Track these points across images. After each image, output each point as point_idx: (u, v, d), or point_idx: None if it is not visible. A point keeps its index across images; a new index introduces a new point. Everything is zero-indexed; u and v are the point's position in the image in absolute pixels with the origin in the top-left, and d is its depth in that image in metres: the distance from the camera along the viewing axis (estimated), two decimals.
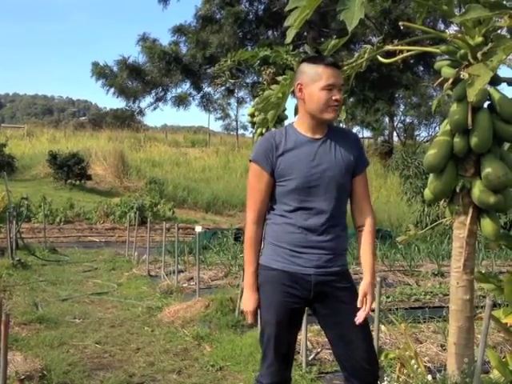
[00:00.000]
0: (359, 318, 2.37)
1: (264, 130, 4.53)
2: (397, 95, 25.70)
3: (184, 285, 7.08)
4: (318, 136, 2.45)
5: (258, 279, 2.46)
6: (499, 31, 3.00)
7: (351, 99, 19.15)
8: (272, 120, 3.48)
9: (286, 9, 2.67)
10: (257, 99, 4.92)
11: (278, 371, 2.46)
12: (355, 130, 42.36)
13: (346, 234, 2.54)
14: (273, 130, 2.65)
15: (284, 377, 2.50)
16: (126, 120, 22.03)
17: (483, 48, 2.89)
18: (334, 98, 2.37)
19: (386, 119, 37.94)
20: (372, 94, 17.09)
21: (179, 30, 16.35)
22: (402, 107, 37.63)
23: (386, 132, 38.99)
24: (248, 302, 2.47)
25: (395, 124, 38.62)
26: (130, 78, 17.10)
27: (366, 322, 2.47)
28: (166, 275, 7.54)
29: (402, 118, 39.50)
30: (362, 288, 2.41)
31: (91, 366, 4.25)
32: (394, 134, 38.84)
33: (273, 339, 2.43)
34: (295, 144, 2.43)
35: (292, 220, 2.41)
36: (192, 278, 7.19)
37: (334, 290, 2.44)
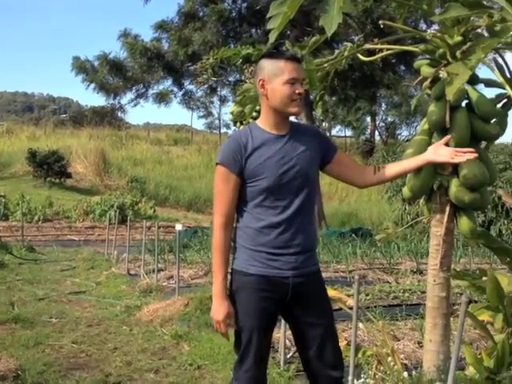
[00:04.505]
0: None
1: None
2: (378, 94, 25.84)
3: (164, 283, 7.03)
4: (283, 132, 2.44)
5: (229, 285, 2.40)
6: (478, 30, 3.02)
7: (333, 98, 19.22)
8: (249, 114, 3.47)
9: (268, 15, 2.66)
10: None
11: (256, 375, 2.43)
12: (337, 128, 42.62)
13: (315, 230, 2.55)
14: (236, 130, 2.63)
15: (261, 380, 2.48)
16: (106, 116, 21.81)
17: (462, 47, 2.91)
18: (297, 91, 2.36)
19: (368, 118, 38.21)
20: (353, 93, 17.14)
21: (161, 27, 16.22)
22: (383, 106, 37.93)
23: (368, 131, 39.26)
24: (218, 311, 2.36)
25: (377, 123, 38.90)
26: (111, 74, 16.94)
27: (335, 325, 2.51)
28: (146, 274, 7.48)
29: (384, 117, 39.80)
30: (432, 155, 2.51)
31: (67, 366, 4.20)
32: (376, 132, 39.12)
33: (252, 345, 2.38)
34: (262, 142, 2.39)
35: (266, 221, 2.37)
36: (172, 277, 7.14)
37: (310, 290, 2.44)
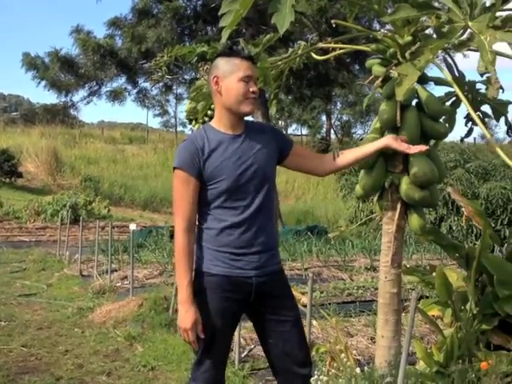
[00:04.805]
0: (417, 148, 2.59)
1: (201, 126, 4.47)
2: (333, 93, 26.12)
3: (118, 284, 6.91)
4: (238, 132, 2.43)
5: (194, 288, 2.34)
6: (429, 30, 3.08)
7: (289, 97, 19.32)
8: (202, 111, 3.44)
9: (220, 13, 2.64)
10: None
11: (214, 376, 2.42)
12: (293, 127, 42.91)
13: (276, 228, 2.55)
14: (191, 134, 2.60)
15: (219, 381, 2.46)
16: (58, 114, 21.33)
17: (412, 47, 2.95)
18: (251, 89, 2.36)
19: (324, 117, 38.62)
20: (309, 92, 17.25)
21: (114, 24, 15.94)
22: (338, 105, 38.40)
23: (324, 129, 39.69)
24: (185, 319, 2.29)
25: (332, 122, 39.35)
26: (63, 71, 16.54)
27: (301, 322, 2.51)
28: (99, 275, 7.34)
29: (339, 115, 40.31)
30: (390, 140, 2.64)
31: (16, 370, 4.08)
32: (332, 131, 39.58)
33: (212, 345, 2.36)
34: (218, 143, 2.38)
35: (227, 222, 2.36)
36: (126, 277, 7.03)
37: (274, 288, 2.44)
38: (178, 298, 2.34)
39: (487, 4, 2.41)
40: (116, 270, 7.52)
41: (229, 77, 2.37)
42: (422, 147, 2.63)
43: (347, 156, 2.59)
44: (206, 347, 2.36)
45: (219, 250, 2.36)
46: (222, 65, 2.40)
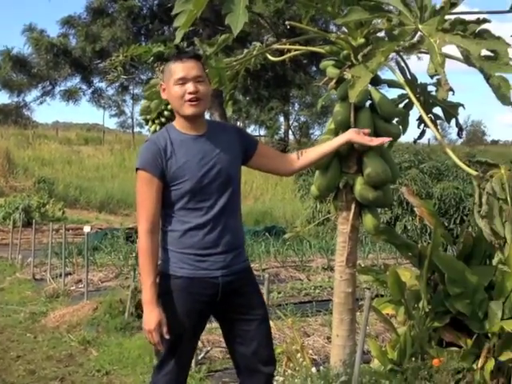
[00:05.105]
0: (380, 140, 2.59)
1: (158, 128, 4.42)
2: (291, 94, 26.30)
3: (72, 288, 6.78)
4: (200, 133, 2.40)
5: (157, 290, 2.31)
6: (382, 33, 3.13)
7: (247, 98, 19.35)
8: (155, 109, 3.41)
9: (173, 13, 2.62)
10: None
11: (176, 379, 2.39)
12: (251, 128, 42.98)
13: (242, 227, 2.53)
14: (154, 134, 2.56)
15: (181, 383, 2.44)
16: (10, 114, 20.77)
17: (365, 49, 2.99)
18: (188, 91, 2.32)
19: (282, 118, 38.81)
20: (266, 93, 17.34)
21: (68, 22, 15.66)
22: (296, 106, 38.65)
23: (282, 130, 39.88)
24: (149, 320, 2.26)
25: (290, 122, 39.58)
26: (15, 70, 16.13)
27: (269, 320, 2.51)
28: (53, 278, 7.17)
29: (297, 116, 40.57)
30: (352, 134, 2.61)
31: None
32: (290, 132, 39.81)
33: (176, 348, 2.33)
34: (181, 144, 2.35)
35: (191, 223, 2.33)
36: (81, 281, 6.90)
37: (240, 287, 2.42)
38: (142, 299, 2.32)
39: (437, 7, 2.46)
40: (70, 274, 7.37)
41: (168, 83, 2.37)
42: (384, 139, 2.67)
43: (310, 154, 2.60)
44: (170, 349, 2.33)
45: (184, 252, 2.34)
46: (164, 72, 2.41)
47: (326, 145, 2.66)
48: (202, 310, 2.39)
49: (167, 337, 2.28)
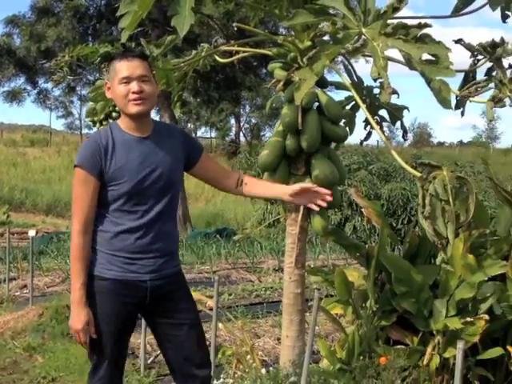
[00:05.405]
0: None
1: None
2: (242, 96, 26.32)
3: (16, 293, 6.57)
4: (144, 134, 2.36)
5: (86, 292, 2.29)
6: (327, 36, 3.16)
7: (197, 99, 19.24)
8: (101, 111, 3.36)
9: (118, 14, 2.57)
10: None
11: (110, 382, 2.36)
12: (202, 130, 42.83)
13: (177, 232, 2.51)
14: (96, 132, 2.52)
15: None
16: None
17: (310, 52, 3.02)
18: (132, 90, 2.28)
19: (233, 120, 38.82)
20: (216, 95, 17.27)
21: (12, 22, 15.21)
22: (247, 108, 38.72)
23: (233, 132, 39.92)
24: (77, 320, 2.26)
25: (241, 124, 39.64)
26: None
27: (200, 324, 2.48)
28: None
29: (248, 118, 40.66)
30: (300, 186, 2.45)
31: None
32: (241, 134, 39.88)
33: (106, 351, 2.31)
34: (123, 144, 2.31)
35: (124, 226, 2.29)
36: (26, 286, 6.70)
37: (170, 291, 2.39)
38: (71, 299, 2.30)
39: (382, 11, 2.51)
40: (15, 279, 7.15)
41: (112, 83, 2.33)
42: (324, 198, 2.44)
43: (259, 188, 2.56)
44: (99, 353, 2.32)
45: (114, 253, 2.30)
46: (109, 70, 2.37)
47: (278, 188, 2.58)
48: (131, 311, 2.37)
49: (94, 336, 2.28)
